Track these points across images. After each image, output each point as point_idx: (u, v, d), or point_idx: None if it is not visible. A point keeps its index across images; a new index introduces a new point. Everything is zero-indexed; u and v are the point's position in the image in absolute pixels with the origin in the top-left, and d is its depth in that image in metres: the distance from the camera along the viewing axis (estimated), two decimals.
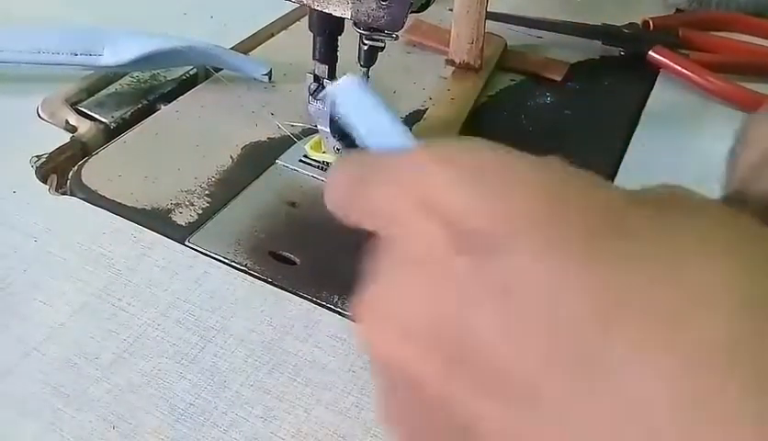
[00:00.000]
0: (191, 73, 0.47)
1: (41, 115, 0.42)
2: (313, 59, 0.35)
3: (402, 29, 0.32)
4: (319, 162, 0.39)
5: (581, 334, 0.14)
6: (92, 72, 0.45)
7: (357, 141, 0.34)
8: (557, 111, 0.46)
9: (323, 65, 0.35)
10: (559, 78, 0.49)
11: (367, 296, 0.19)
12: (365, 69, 0.35)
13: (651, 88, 0.48)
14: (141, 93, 0.45)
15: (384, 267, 0.20)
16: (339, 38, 0.35)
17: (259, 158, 0.39)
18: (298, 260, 0.33)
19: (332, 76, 0.35)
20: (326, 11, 0.33)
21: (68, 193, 0.37)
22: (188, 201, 0.36)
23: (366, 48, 0.34)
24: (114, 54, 0.43)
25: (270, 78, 0.45)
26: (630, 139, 0.43)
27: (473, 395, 0.16)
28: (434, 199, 0.18)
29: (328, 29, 0.34)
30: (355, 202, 0.21)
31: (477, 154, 0.18)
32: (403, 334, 0.18)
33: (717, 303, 0.14)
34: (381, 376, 0.20)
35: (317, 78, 0.36)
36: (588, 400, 0.14)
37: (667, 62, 0.48)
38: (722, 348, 0.13)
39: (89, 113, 0.43)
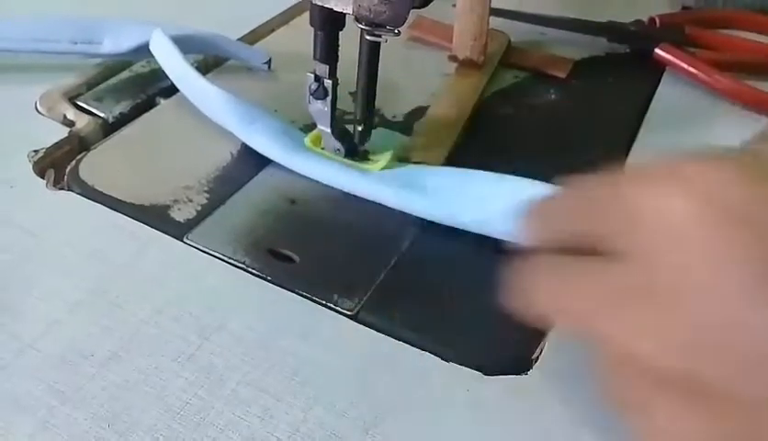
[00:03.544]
0: None
1: (39, 109, 0.42)
2: (314, 59, 0.35)
3: (405, 25, 0.32)
4: None
5: None
6: (91, 64, 0.44)
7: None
8: (561, 108, 0.45)
9: (324, 65, 0.34)
10: (563, 75, 0.48)
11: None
12: (367, 74, 0.35)
13: (657, 86, 0.47)
14: (141, 87, 0.44)
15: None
16: (340, 35, 0.34)
17: (258, 154, 0.38)
18: (297, 258, 0.33)
19: (332, 76, 0.35)
20: (327, 6, 0.32)
21: (65, 188, 0.36)
22: (187, 197, 0.36)
23: (367, 43, 0.34)
24: (114, 43, 0.42)
25: (270, 66, 0.45)
26: (635, 136, 0.42)
27: None
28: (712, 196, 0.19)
29: (329, 25, 0.34)
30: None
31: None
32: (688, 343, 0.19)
33: None
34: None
35: (317, 78, 0.35)
36: None
37: (673, 59, 0.48)
38: None
39: (88, 108, 0.42)
